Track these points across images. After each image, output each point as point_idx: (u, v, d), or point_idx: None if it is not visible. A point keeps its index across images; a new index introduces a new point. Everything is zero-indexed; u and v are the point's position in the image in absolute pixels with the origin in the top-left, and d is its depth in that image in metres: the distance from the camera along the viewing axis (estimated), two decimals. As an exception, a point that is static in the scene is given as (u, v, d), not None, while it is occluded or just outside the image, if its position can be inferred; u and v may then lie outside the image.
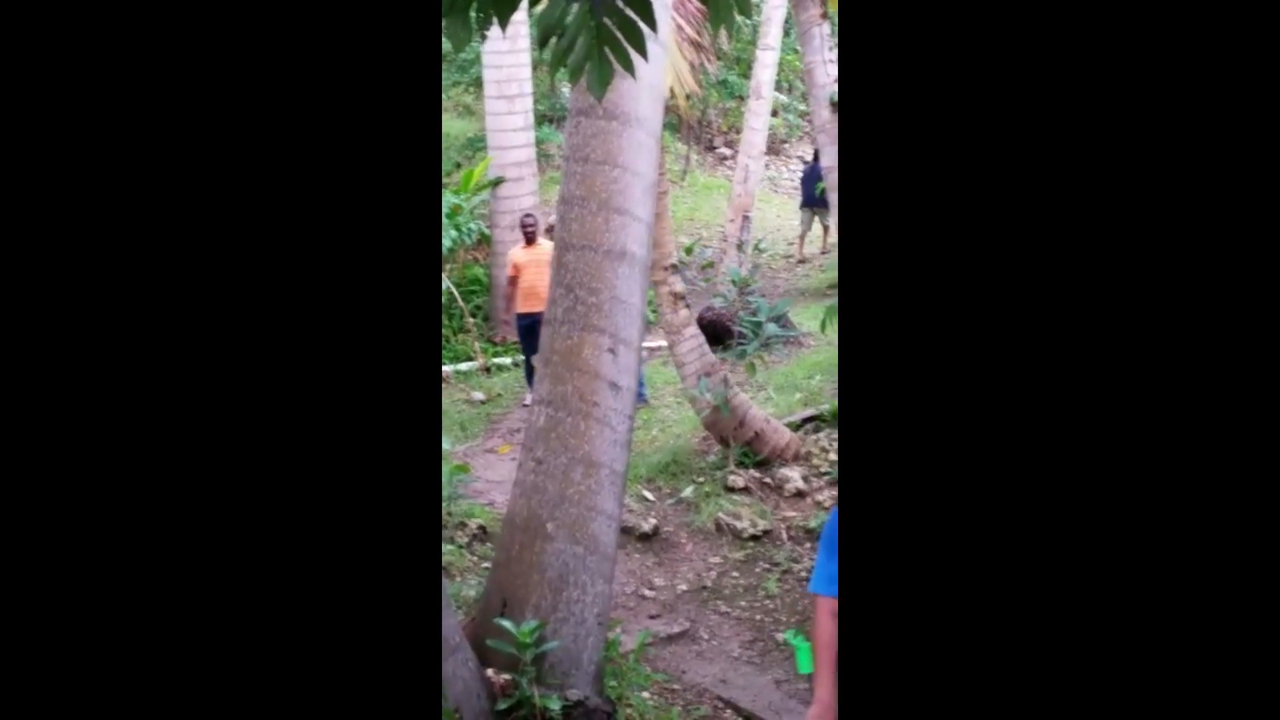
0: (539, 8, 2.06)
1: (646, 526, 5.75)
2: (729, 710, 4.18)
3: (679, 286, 6.55)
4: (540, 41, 2.03)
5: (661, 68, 4.09)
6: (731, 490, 6.16)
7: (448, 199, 9.19)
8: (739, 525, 5.79)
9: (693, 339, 6.54)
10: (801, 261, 12.03)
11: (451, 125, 12.98)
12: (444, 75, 12.72)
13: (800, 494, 6.23)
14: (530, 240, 7.64)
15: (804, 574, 5.42)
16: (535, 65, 10.28)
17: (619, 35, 1.97)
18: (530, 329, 7.04)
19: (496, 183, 9.40)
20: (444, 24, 1.83)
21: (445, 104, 13.22)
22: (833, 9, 7.87)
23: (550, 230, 5.85)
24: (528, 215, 8.00)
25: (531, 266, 7.43)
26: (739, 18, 2.15)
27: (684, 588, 5.31)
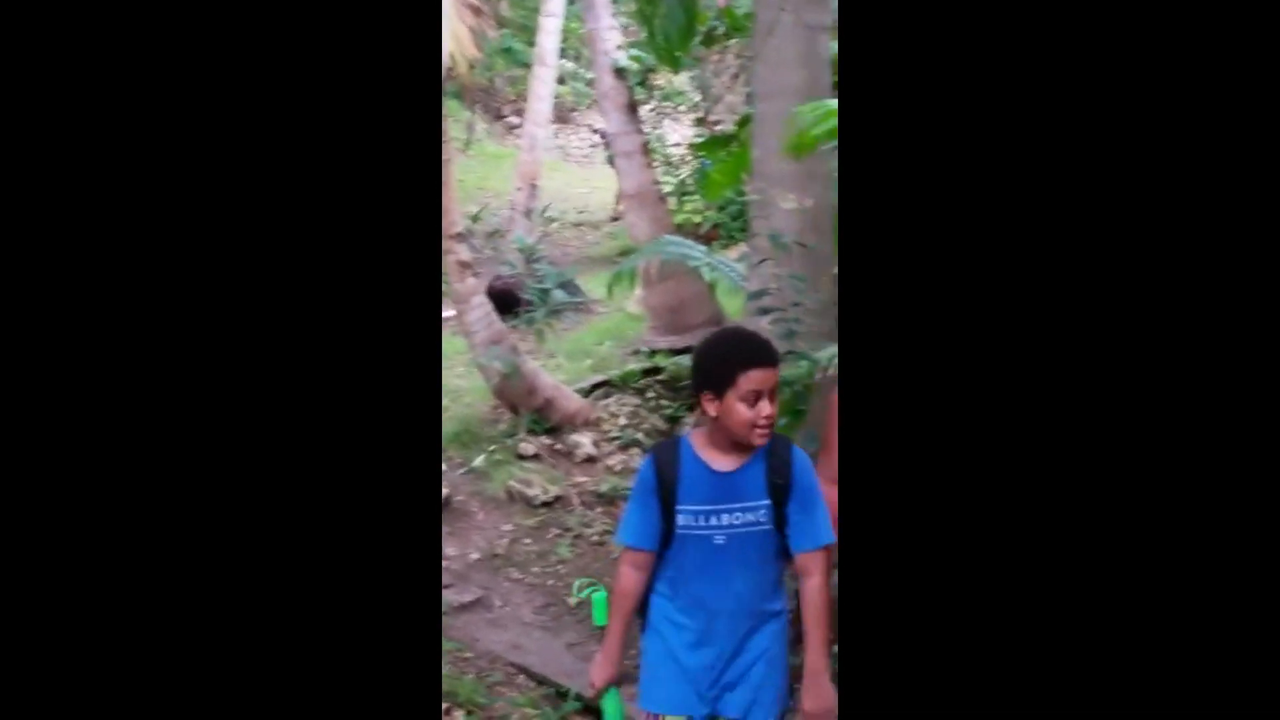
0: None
1: (437, 497, 5.69)
2: (522, 676, 4.20)
3: (466, 255, 6.48)
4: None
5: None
6: (522, 458, 6.16)
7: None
8: (530, 492, 5.80)
9: (480, 307, 6.48)
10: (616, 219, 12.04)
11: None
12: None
13: (591, 459, 6.29)
14: None
15: (595, 538, 5.49)
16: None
17: None
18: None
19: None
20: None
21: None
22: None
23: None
24: None
25: None
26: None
27: (476, 556, 5.28)
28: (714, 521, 2.41)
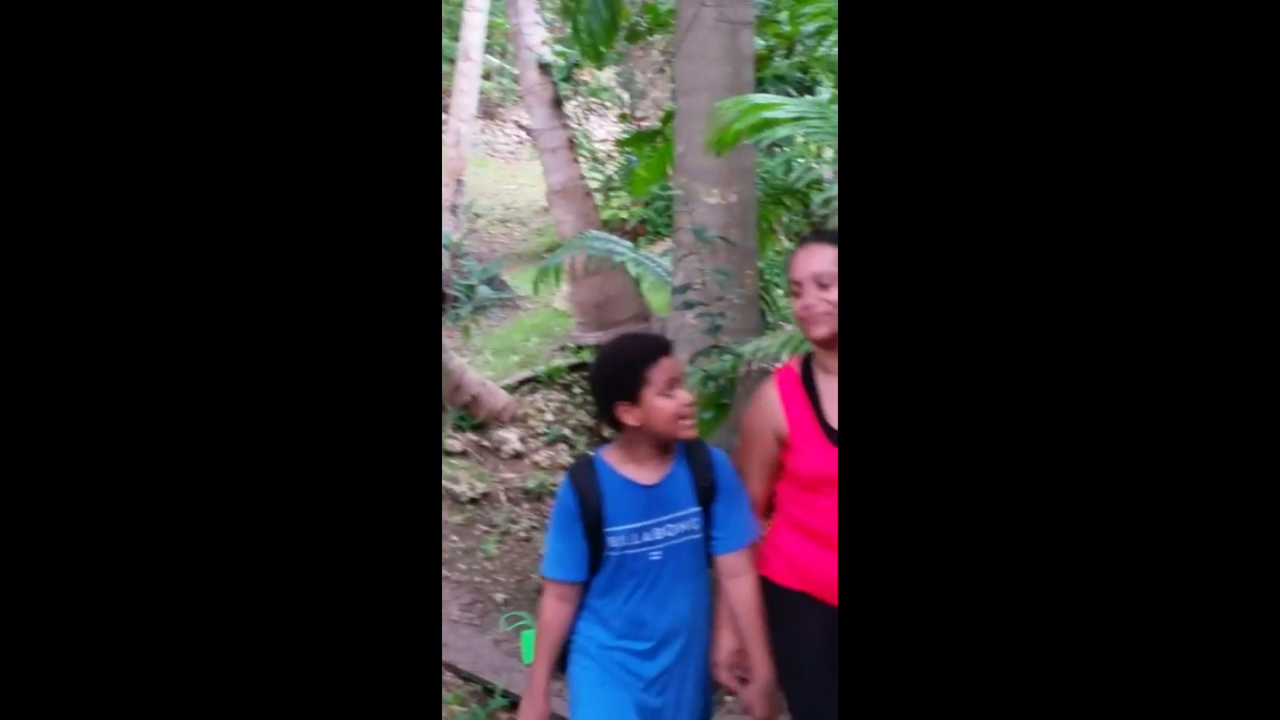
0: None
1: (362, 496, 5.63)
2: (449, 673, 4.18)
3: (389, 250, 6.43)
4: None
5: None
6: (449, 454, 6.13)
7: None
8: (457, 489, 5.77)
9: (405, 304, 6.44)
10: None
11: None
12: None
13: (518, 455, 6.29)
14: None
15: (523, 534, 5.48)
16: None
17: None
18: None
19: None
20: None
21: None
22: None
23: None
24: None
25: None
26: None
27: (402, 555, 5.25)
28: (648, 538, 2.34)
